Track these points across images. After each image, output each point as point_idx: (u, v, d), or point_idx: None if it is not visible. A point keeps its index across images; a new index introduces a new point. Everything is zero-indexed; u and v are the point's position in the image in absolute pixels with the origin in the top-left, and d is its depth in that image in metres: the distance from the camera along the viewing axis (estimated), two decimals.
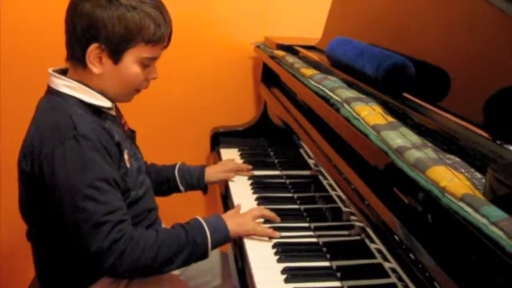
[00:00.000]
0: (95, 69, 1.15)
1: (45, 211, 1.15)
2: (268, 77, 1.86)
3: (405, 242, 0.78)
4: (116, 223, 1.08)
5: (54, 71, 1.20)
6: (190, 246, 1.16)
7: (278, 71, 1.63)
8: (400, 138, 0.81)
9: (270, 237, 1.28)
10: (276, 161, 1.79)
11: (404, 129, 0.85)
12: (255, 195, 1.53)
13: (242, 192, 1.56)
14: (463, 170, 0.71)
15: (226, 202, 1.56)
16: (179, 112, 2.06)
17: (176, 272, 1.40)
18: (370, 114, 0.92)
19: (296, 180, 1.60)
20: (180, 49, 1.97)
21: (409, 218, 0.80)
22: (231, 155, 1.86)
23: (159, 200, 1.41)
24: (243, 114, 2.07)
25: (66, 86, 1.17)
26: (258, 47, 1.93)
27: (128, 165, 1.21)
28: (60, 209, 1.09)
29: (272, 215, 1.35)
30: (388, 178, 0.87)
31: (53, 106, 1.16)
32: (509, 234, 0.55)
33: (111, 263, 1.08)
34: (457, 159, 0.76)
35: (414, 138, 0.82)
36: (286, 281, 1.12)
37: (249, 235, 1.28)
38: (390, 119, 0.90)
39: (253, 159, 1.81)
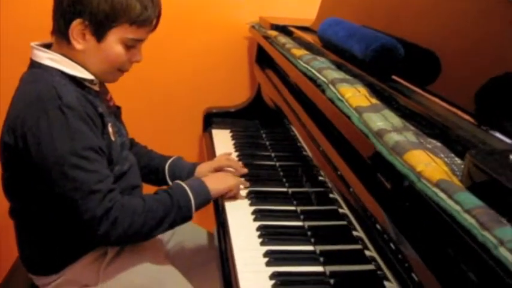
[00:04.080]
0: (78, 45, 1.15)
1: (29, 185, 1.15)
2: (263, 58, 1.83)
3: (386, 229, 0.76)
4: (107, 191, 1.10)
5: (37, 45, 1.19)
6: (175, 210, 1.18)
7: (270, 51, 1.60)
8: (381, 121, 0.79)
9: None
10: (268, 143, 1.76)
11: (387, 112, 0.82)
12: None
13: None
14: (442, 155, 0.68)
15: None
16: (173, 91, 2.03)
17: (162, 252, 1.39)
18: (354, 95, 0.89)
19: (286, 163, 1.57)
20: (175, 28, 1.95)
21: (389, 203, 0.77)
22: (222, 135, 1.84)
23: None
24: (238, 95, 2.04)
25: (49, 58, 1.17)
26: (252, 27, 1.89)
27: (113, 138, 1.21)
28: (49, 181, 1.08)
29: (245, 184, 1.42)
30: (371, 162, 0.85)
31: (36, 78, 1.16)
32: (481, 223, 0.52)
33: (104, 231, 1.10)
34: (438, 143, 0.73)
35: (396, 121, 0.79)
36: (268, 264, 1.10)
37: (227, 194, 1.35)
38: (374, 101, 0.88)
39: (244, 140, 1.79)
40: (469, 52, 0.92)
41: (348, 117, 0.87)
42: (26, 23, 1.80)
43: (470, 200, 0.56)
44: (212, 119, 1.96)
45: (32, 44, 1.19)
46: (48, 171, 1.08)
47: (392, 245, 0.73)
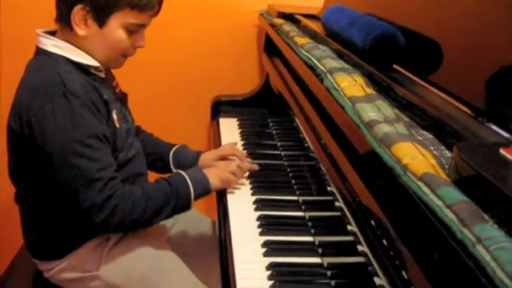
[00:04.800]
0: (80, 31, 1.15)
1: (34, 170, 1.16)
2: (271, 47, 1.80)
3: (380, 224, 0.74)
4: (109, 180, 1.11)
5: (42, 32, 1.20)
6: (174, 199, 1.19)
7: (275, 40, 1.58)
8: (374, 112, 0.77)
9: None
10: (274, 132, 1.75)
11: (380, 102, 0.80)
12: None
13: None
14: (431, 148, 0.66)
15: None
16: (181, 79, 2.02)
17: (164, 239, 1.39)
18: (349, 85, 0.87)
19: (292, 153, 1.56)
20: (184, 15, 1.94)
21: (383, 197, 0.75)
22: (230, 124, 1.83)
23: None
24: (247, 84, 2.02)
25: (54, 45, 1.17)
26: (261, 15, 1.86)
27: (117, 125, 1.21)
28: (52, 167, 1.09)
29: (250, 166, 1.41)
30: (366, 154, 0.83)
31: (41, 65, 1.17)
32: (461, 219, 0.50)
33: (103, 218, 1.10)
34: (430, 135, 0.71)
35: (388, 111, 0.77)
36: (265, 254, 1.10)
37: (228, 187, 1.33)
38: (369, 91, 0.85)
39: (251, 129, 1.78)
40: (472, 42, 0.89)
41: (342, 108, 0.85)
42: (29, 11, 1.81)
43: (452, 194, 0.54)
44: (220, 108, 1.95)
45: (38, 31, 1.20)
46: (52, 158, 1.09)
47: (384, 241, 0.72)
